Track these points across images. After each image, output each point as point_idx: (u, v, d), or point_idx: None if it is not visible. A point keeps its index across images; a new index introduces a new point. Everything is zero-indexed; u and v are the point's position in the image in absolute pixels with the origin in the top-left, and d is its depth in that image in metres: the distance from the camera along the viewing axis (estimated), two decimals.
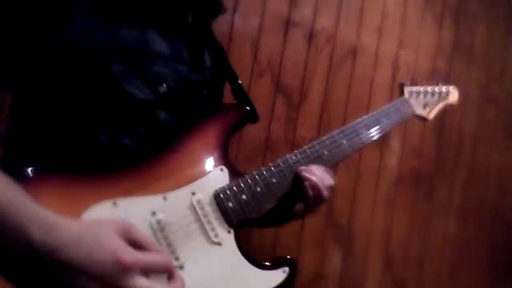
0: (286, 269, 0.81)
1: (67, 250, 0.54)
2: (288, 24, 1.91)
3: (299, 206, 0.94)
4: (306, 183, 0.86)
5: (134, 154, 0.71)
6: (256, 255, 0.80)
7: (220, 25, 1.03)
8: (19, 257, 0.53)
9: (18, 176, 0.56)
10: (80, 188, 0.65)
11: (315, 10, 1.97)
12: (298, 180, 0.87)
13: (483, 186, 2.43)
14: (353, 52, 2.05)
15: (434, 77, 2.29)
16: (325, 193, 0.88)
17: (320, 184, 0.87)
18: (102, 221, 0.61)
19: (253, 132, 1.76)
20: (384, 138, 2.15)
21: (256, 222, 0.97)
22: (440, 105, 1.23)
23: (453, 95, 1.26)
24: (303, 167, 0.87)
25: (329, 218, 2.02)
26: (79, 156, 0.68)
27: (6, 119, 0.72)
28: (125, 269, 0.56)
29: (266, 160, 1.71)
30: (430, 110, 1.21)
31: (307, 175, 0.86)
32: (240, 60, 1.76)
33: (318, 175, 0.87)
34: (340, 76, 2.01)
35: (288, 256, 0.84)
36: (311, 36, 1.96)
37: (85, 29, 0.65)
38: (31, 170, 0.61)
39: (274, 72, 1.87)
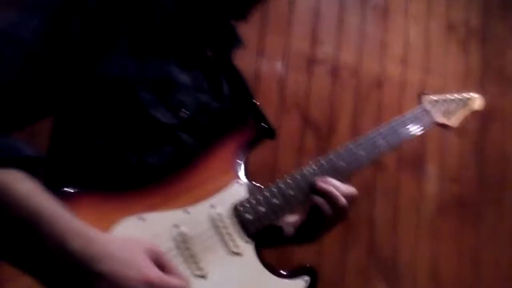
0: (307, 278, 0.81)
1: (102, 262, 0.60)
2: (311, 61, 2.00)
3: (318, 219, 0.91)
4: (323, 189, 0.85)
5: (158, 172, 0.77)
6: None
7: (246, 67, 1.11)
8: (57, 264, 0.60)
9: (56, 194, 0.64)
10: (110, 204, 0.71)
11: (337, 46, 2.06)
12: (315, 191, 0.86)
13: None
14: (379, 84, 2.09)
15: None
16: (343, 200, 0.85)
17: (336, 192, 0.85)
18: (136, 240, 0.68)
19: (285, 165, 1.81)
20: (419, 165, 2.13)
21: (276, 239, 0.99)
22: (464, 112, 1.19)
23: (476, 100, 1.22)
24: (319, 178, 0.87)
25: (372, 250, 1.98)
26: (110, 175, 0.75)
27: (45, 143, 0.81)
28: (150, 286, 0.61)
29: None
30: (453, 118, 1.17)
31: (323, 184, 0.86)
32: (267, 99, 1.85)
33: (335, 184, 0.86)
34: (368, 107, 2.04)
35: (308, 265, 0.83)
36: (335, 72, 2.03)
37: (120, 61, 0.75)
38: (67, 189, 0.68)
39: (301, 107, 1.93)
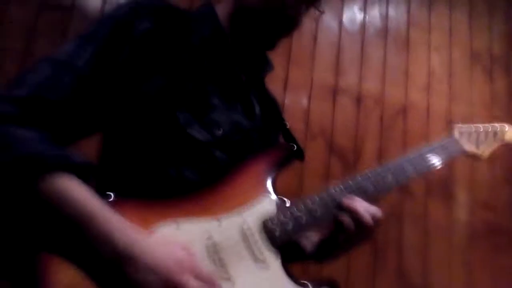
0: None
1: (147, 254, 0.68)
2: (335, 91, 2.07)
3: (342, 236, 0.92)
4: (348, 206, 0.87)
5: (195, 185, 0.84)
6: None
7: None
8: (104, 259, 0.67)
9: (104, 199, 0.73)
10: (150, 210, 0.78)
11: (359, 77, 2.13)
12: (341, 208, 0.88)
13: None
14: (403, 111, 2.13)
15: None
16: (368, 218, 0.87)
17: (362, 209, 0.87)
18: (173, 240, 0.76)
19: (311, 192, 1.85)
20: (448, 191, 2.12)
21: (296, 254, 1.02)
22: (496, 144, 1.18)
23: (508, 132, 1.20)
24: (346, 197, 0.89)
25: (401, 276, 1.95)
26: (151, 186, 0.83)
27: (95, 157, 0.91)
28: (184, 268, 0.69)
29: None
30: (484, 149, 1.16)
31: (349, 201, 0.88)
32: (293, 128, 1.92)
33: (361, 203, 0.88)
34: (393, 134, 2.08)
35: (331, 279, 0.86)
36: (359, 100, 2.09)
37: (160, 83, 0.84)
38: (114, 196, 0.76)
39: (326, 135, 1.99)
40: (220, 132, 0.88)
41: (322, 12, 1.02)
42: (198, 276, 0.71)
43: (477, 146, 1.17)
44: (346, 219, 0.88)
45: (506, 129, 1.21)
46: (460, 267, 2.04)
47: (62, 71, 0.80)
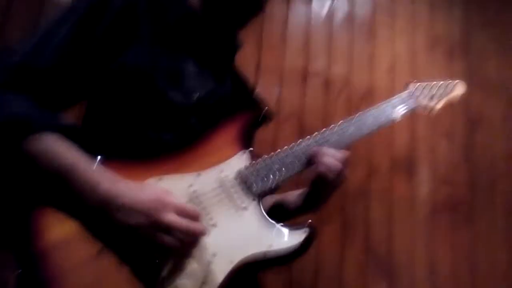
0: (307, 229, 0.91)
1: (126, 195, 0.74)
2: (305, 75, 2.16)
3: (317, 183, 1.02)
4: (317, 154, 0.97)
5: (173, 146, 0.91)
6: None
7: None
8: (91, 203, 0.74)
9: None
10: (133, 169, 0.85)
11: (328, 61, 2.22)
12: (311, 157, 0.98)
13: None
14: (370, 93, 2.24)
15: (453, 108, 2.42)
16: (335, 162, 0.96)
17: (330, 154, 0.97)
18: (153, 184, 0.83)
19: None
20: (411, 168, 2.26)
21: (283, 215, 1.10)
22: (447, 97, 1.28)
23: (460, 87, 1.30)
24: (315, 146, 0.99)
25: (369, 249, 2.08)
26: (132, 148, 0.90)
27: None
28: (164, 205, 0.75)
29: None
30: (437, 102, 1.25)
31: (317, 149, 0.98)
32: None
33: (327, 150, 0.98)
34: None
35: (309, 221, 0.93)
36: (328, 83, 2.19)
37: (139, 52, 0.90)
38: (100, 157, 0.82)
39: (297, 116, 2.08)
40: (196, 96, 0.95)
41: None
42: (179, 211, 0.77)
43: (430, 99, 1.26)
44: (316, 165, 0.98)
45: (457, 82, 1.31)
46: (422, 239, 2.18)
47: (47, 40, 0.86)
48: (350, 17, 2.35)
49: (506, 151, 2.46)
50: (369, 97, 2.23)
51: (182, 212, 0.77)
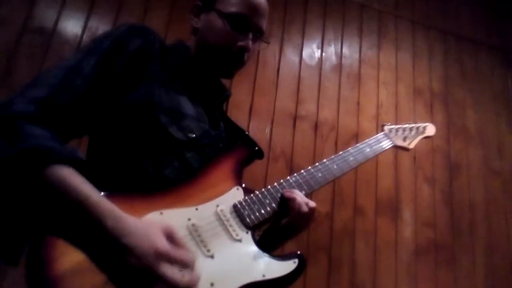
0: (296, 260, 0.97)
1: (127, 236, 0.79)
2: (295, 118, 2.29)
3: (285, 221, 1.08)
4: (287, 197, 1.04)
5: (172, 180, 0.98)
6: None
7: (240, 123, 1.35)
8: (97, 240, 0.79)
9: None
10: (136, 203, 0.90)
11: (317, 106, 2.37)
12: (284, 200, 1.05)
13: (506, 252, 2.49)
14: (355, 137, 2.38)
15: (434, 156, 2.56)
16: (303, 205, 1.03)
17: (298, 199, 1.04)
18: (154, 221, 0.88)
19: None
20: (396, 212, 2.35)
21: (267, 237, 1.18)
22: (419, 137, 1.41)
23: (430, 128, 1.44)
24: (286, 189, 1.07)
25: None
26: (135, 182, 0.96)
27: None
28: (158, 255, 0.79)
29: None
30: (410, 142, 1.38)
31: (288, 192, 1.05)
32: None
33: (297, 194, 1.05)
34: None
35: (298, 252, 0.99)
36: (316, 127, 2.32)
37: (146, 92, 1.00)
38: (104, 193, 0.85)
39: (287, 157, 2.19)
40: (193, 135, 1.04)
41: (267, 43, 1.22)
42: (175, 261, 0.81)
43: (404, 140, 1.39)
44: (286, 205, 1.04)
45: (427, 125, 1.45)
46: (405, 279, 2.24)
47: (73, 75, 0.93)
48: (338, 67, 2.53)
49: (485, 196, 2.58)
50: (354, 141, 2.36)
51: (176, 261, 0.81)
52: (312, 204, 1.08)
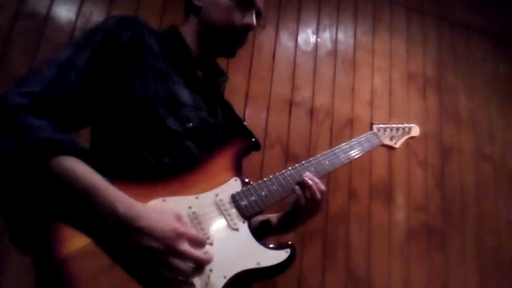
0: (288, 250, 1.02)
1: (141, 219, 0.82)
2: (291, 104, 2.31)
3: (295, 209, 1.17)
4: (306, 182, 1.11)
5: (172, 168, 1.00)
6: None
7: (236, 109, 1.37)
8: (107, 225, 0.81)
9: None
10: (139, 190, 0.92)
11: (312, 92, 2.38)
12: (296, 185, 1.12)
13: (495, 235, 2.56)
14: (350, 123, 2.40)
15: (427, 140, 2.60)
16: (318, 194, 1.11)
17: (313, 184, 1.11)
18: (164, 207, 0.91)
19: None
20: (389, 196, 2.40)
21: (265, 230, 1.22)
22: (405, 137, 1.49)
23: (415, 130, 1.53)
24: (306, 174, 1.13)
25: (348, 270, 2.18)
26: (136, 170, 0.98)
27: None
28: (178, 234, 0.83)
29: None
30: (396, 142, 1.46)
31: (307, 179, 1.12)
32: None
33: (313, 178, 1.12)
34: (341, 143, 2.32)
35: (289, 242, 1.04)
36: (311, 113, 2.34)
37: (141, 84, 1.01)
38: (107, 179, 0.87)
39: (283, 143, 2.21)
40: (190, 125, 1.05)
41: (263, 27, 1.25)
42: (193, 242, 0.86)
43: (391, 139, 1.46)
44: (299, 194, 1.11)
45: (413, 126, 1.53)
46: (398, 262, 2.30)
47: (67, 70, 0.94)
48: (332, 53, 2.54)
49: (476, 180, 2.64)
50: (349, 126, 2.39)
51: (194, 242, 0.87)
52: (323, 187, 1.14)
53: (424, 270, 2.35)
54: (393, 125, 1.48)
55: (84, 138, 1.03)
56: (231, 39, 1.16)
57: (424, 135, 2.61)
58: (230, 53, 1.21)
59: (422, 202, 2.47)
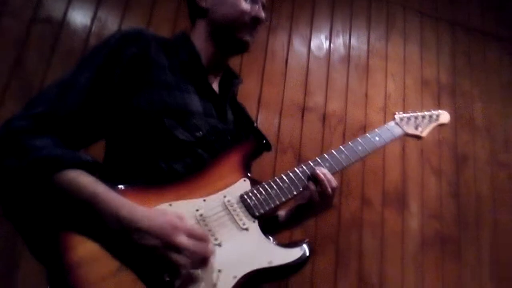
0: (303, 247, 0.98)
1: (141, 220, 0.83)
2: (304, 109, 2.30)
3: (307, 205, 1.12)
4: (319, 176, 1.07)
5: (181, 174, 1.01)
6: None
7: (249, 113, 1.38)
8: (112, 228, 0.83)
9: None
10: (148, 195, 0.94)
11: (325, 97, 2.37)
12: (309, 181, 1.09)
13: (511, 245, 2.51)
14: (363, 129, 2.38)
15: (442, 148, 2.56)
16: (330, 190, 1.08)
17: (325, 180, 1.08)
18: (166, 210, 0.92)
19: None
20: (403, 203, 2.36)
21: (274, 226, 1.20)
22: (433, 125, 1.39)
23: (444, 116, 1.42)
24: (318, 168, 1.10)
25: (361, 279, 2.15)
26: (148, 177, 0.99)
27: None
28: (174, 227, 0.84)
29: None
30: (422, 130, 1.36)
31: (318, 172, 1.08)
32: None
33: (325, 174, 1.09)
34: None
35: (305, 239, 1.01)
36: (324, 118, 2.32)
37: (148, 97, 1.02)
38: (120, 186, 0.92)
39: (295, 148, 2.20)
40: (200, 134, 1.06)
41: (266, 21, 1.25)
42: (191, 235, 0.86)
43: (416, 128, 1.36)
44: (313, 189, 1.08)
45: (442, 112, 1.43)
46: (412, 271, 2.26)
47: (68, 90, 0.97)
48: (346, 58, 2.53)
49: (491, 188, 2.59)
50: (362, 132, 2.35)
51: (192, 235, 0.86)
52: (336, 184, 1.11)
53: (438, 279, 2.30)
54: (419, 113, 1.38)
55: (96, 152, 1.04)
56: (242, 32, 1.17)
57: (438, 142, 2.57)
58: (243, 47, 1.20)
59: (437, 210, 2.43)
